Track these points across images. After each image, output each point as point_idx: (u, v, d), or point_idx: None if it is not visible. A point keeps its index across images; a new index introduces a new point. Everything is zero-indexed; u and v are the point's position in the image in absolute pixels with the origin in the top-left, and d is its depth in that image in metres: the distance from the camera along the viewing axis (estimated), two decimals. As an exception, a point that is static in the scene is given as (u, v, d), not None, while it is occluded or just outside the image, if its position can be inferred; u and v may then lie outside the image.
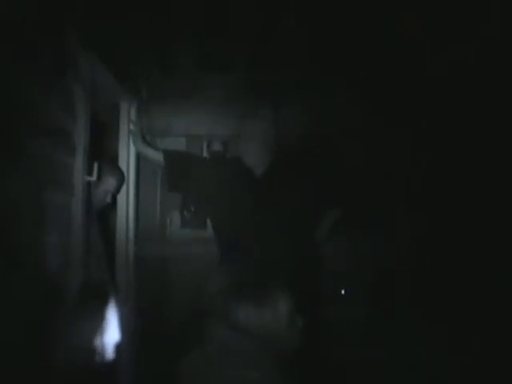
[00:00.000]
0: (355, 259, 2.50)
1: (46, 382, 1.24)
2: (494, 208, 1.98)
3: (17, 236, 1.12)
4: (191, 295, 1.64)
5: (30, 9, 1.17)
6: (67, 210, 1.44)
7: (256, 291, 1.01)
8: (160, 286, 2.50)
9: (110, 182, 1.95)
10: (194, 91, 2.44)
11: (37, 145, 1.21)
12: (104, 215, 2.08)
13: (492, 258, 1.95)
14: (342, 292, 2.53)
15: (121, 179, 2.05)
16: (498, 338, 1.86)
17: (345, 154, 2.46)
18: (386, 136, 2.50)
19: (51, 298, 1.30)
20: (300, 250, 2.01)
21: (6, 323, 1.03)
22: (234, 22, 1.73)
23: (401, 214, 2.54)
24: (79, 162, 1.51)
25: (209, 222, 2.44)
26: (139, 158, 2.31)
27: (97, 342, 1.63)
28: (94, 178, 1.62)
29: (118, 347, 1.80)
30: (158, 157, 2.16)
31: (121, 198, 2.18)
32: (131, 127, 2.19)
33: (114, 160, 2.16)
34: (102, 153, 2.05)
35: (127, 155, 2.21)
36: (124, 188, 2.15)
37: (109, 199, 1.98)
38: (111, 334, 1.74)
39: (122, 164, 2.18)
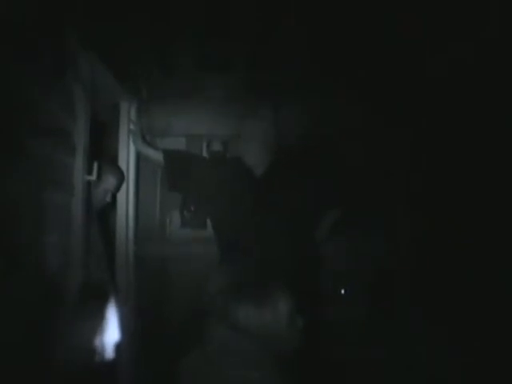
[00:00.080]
0: (355, 259, 2.50)
1: (46, 382, 1.24)
2: (493, 208, 1.98)
3: (17, 236, 1.12)
4: (191, 295, 1.64)
5: (30, 9, 1.17)
6: (67, 210, 1.45)
7: (256, 291, 1.00)
8: (160, 286, 2.50)
9: (109, 181, 1.95)
10: (194, 91, 2.44)
11: (37, 145, 1.21)
12: (104, 215, 2.08)
13: (492, 258, 1.95)
14: (342, 292, 2.53)
15: (121, 178, 2.05)
16: (498, 338, 1.86)
17: (345, 154, 2.47)
18: (386, 136, 2.50)
19: (51, 297, 1.30)
20: (300, 250, 2.01)
21: (5, 323, 1.03)
22: (234, 22, 1.73)
23: (401, 214, 2.54)
24: (79, 161, 1.51)
25: (209, 221, 2.44)
26: (139, 157, 2.31)
27: (97, 342, 1.64)
28: (93, 177, 1.62)
29: (118, 347, 1.80)
30: (158, 156, 2.16)
31: (121, 197, 2.18)
32: (131, 127, 2.19)
33: (113, 160, 2.16)
34: (102, 153, 2.06)
35: (127, 155, 2.21)
36: (124, 188, 2.15)
37: (109, 198, 1.99)
38: (111, 334, 1.74)
39: (122, 164, 2.18)
